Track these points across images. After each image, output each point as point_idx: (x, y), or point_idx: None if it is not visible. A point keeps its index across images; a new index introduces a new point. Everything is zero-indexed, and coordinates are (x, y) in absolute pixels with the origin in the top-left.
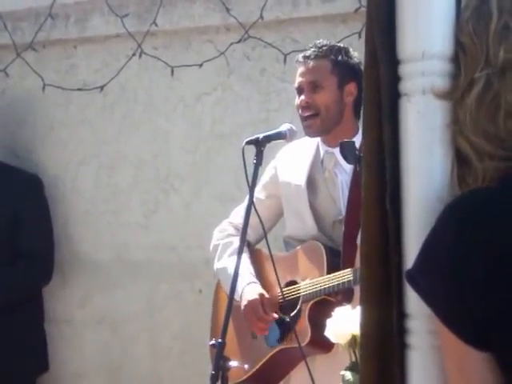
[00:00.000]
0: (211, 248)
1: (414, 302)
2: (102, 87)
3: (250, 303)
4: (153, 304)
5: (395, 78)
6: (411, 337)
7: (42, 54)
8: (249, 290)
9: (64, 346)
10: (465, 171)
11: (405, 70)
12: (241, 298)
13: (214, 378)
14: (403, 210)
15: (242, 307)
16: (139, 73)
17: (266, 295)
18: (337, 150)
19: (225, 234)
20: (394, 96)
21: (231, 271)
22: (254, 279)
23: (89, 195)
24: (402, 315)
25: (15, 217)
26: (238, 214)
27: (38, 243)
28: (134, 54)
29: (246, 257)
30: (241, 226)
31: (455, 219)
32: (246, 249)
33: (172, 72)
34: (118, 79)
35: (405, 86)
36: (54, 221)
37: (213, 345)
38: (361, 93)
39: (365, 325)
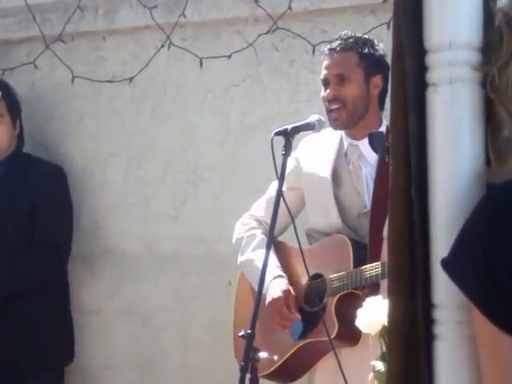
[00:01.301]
0: (234, 241)
1: (441, 292)
2: (130, 79)
3: (275, 301)
4: (182, 296)
5: (422, 68)
6: (438, 327)
7: (71, 45)
8: (274, 285)
9: (92, 338)
10: (502, 144)
11: (432, 60)
12: (267, 291)
13: (243, 369)
14: (429, 201)
15: (267, 303)
16: (168, 64)
17: (292, 291)
18: (361, 143)
19: (247, 227)
20: (421, 86)
21: (257, 263)
22: (280, 272)
23: (118, 187)
24: (428, 306)
25: (34, 206)
26: (259, 207)
27: (50, 231)
28: (162, 46)
29: (271, 250)
30: (262, 218)
31: (490, 207)
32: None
33: (201, 63)
34: (147, 71)
35: (432, 76)
36: (82, 213)
37: (242, 336)
38: (386, 85)
39: (392, 315)
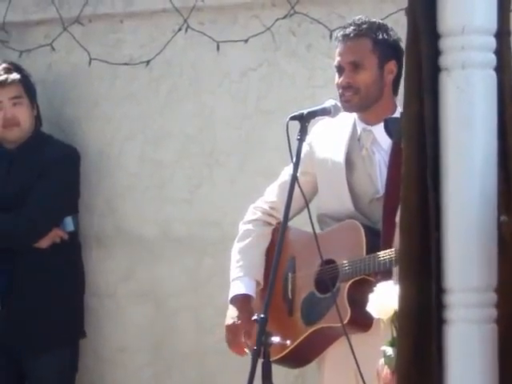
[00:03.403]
0: (239, 226)
1: (452, 276)
2: (147, 62)
3: (229, 328)
4: (196, 279)
5: (436, 53)
6: (449, 311)
7: (89, 28)
8: (230, 309)
9: (106, 320)
10: None
11: (445, 44)
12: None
13: (256, 354)
14: (443, 185)
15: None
16: (185, 48)
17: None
18: (375, 128)
19: (252, 218)
20: (435, 70)
21: (234, 264)
22: (240, 274)
23: (133, 170)
24: (440, 290)
25: (38, 179)
26: (271, 193)
27: (38, 198)
28: (180, 29)
29: (255, 254)
30: (273, 205)
31: None
32: (266, 239)
33: (218, 47)
34: (164, 54)
35: (445, 60)
36: (98, 195)
37: (255, 320)
38: (400, 71)
39: (402, 300)
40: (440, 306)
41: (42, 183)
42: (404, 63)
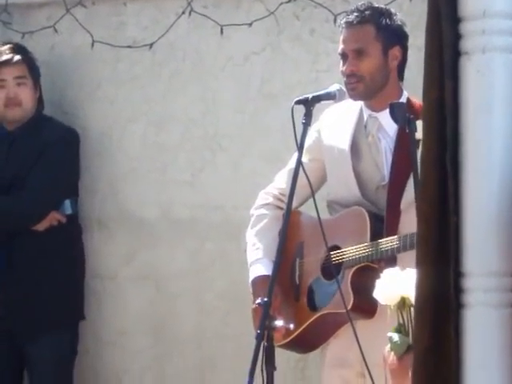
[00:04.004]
0: (250, 212)
1: (471, 261)
2: (150, 45)
3: (255, 310)
4: (198, 263)
5: (456, 37)
6: (467, 296)
7: (92, 10)
8: (253, 292)
9: (107, 303)
10: None
11: (465, 28)
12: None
13: (259, 337)
14: (463, 170)
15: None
16: (188, 31)
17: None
18: (380, 115)
19: (264, 202)
20: (455, 55)
21: (253, 248)
22: (260, 255)
23: (136, 153)
24: (458, 275)
25: (37, 159)
26: (281, 179)
27: (33, 178)
28: (183, 12)
29: (272, 236)
30: (283, 191)
31: None
32: (279, 222)
33: (221, 31)
34: (167, 37)
35: (465, 44)
36: (100, 177)
37: (259, 304)
38: (405, 56)
39: (420, 285)
40: (458, 291)
41: (42, 164)
42: (424, 47)
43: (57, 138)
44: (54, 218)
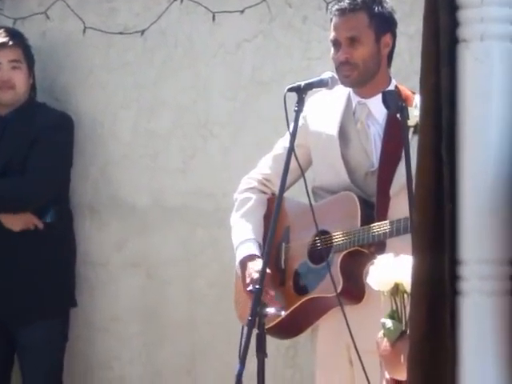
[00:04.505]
0: (234, 196)
1: (466, 247)
2: (142, 31)
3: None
4: (189, 250)
5: (454, 24)
6: (463, 283)
7: None
8: (250, 263)
9: (98, 290)
10: None
11: (463, 15)
12: (236, 256)
13: (250, 324)
14: (458, 157)
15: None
16: (180, 18)
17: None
18: (370, 101)
19: (248, 187)
20: (453, 42)
21: (239, 230)
22: (251, 235)
23: (127, 139)
24: (454, 262)
25: (32, 144)
26: (265, 165)
27: (35, 160)
28: None
29: (258, 218)
30: (268, 176)
31: None
32: (264, 205)
33: (213, 18)
34: (159, 24)
35: (463, 32)
36: (92, 164)
37: (250, 291)
38: (394, 43)
39: (416, 272)
40: (454, 278)
41: (40, 148)
42: (422, 34)
43: (53, 122)
44: (31, 223)
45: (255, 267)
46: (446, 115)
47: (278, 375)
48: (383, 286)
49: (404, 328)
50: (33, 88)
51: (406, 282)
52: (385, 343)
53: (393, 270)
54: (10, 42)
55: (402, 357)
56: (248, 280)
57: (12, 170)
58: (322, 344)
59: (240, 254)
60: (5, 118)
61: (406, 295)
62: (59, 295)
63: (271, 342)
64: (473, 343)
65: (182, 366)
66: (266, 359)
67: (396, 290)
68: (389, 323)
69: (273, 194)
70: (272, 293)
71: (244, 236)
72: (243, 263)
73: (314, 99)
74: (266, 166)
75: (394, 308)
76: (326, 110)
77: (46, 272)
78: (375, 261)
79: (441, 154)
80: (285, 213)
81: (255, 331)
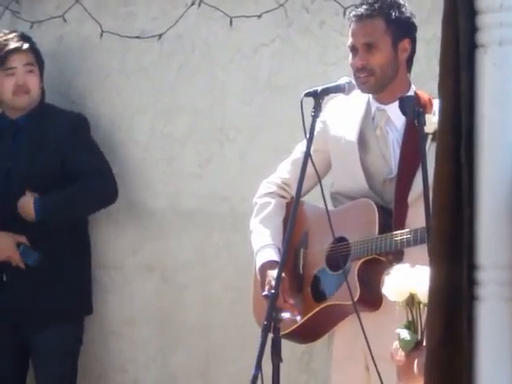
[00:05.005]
0: (253, 201)
1: (485, 253)
2: (159, 36)
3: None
4: (204, 254)
5: (473, 29)
6: (481, 289)
7: (101, 0)
8: (267, 268)
9: (114, 293)
10: None
11: (482, 20)
12: (255, 261)
13: (266, 329)
14: (477, 162)
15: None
16: (197, 22)
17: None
18: (389, 107)
19: (267, 191)
20: (472, 47)
21: (259, 235)
22: (270, 241)
23: (144, 143)
24: (472, 267)
25: (60, 151)
26: (284, 169)
27: (89, 163)
28: (192, 3)
29: (277, 223)
30: (287, 181)
31: None
32: (283, 210)
33: (230, 22)
34: (176, 28)
35: (481, 37)
36: None
37: (265, 296)
38: (414, 47)
39: (434, 278)
40: (471, 283)
41: (79, 149)
42: (441, 38)
43: (77, 126)
44: (13, 259)
45: (274, 273)
46: (464, 119)
47: (293, 380)
48: (398, 296)
49: (419, 338)
50: (43, 92)
51: (421, 292)
52: (400, 353)
53: (408, 280)
54: (24, 46)
55: (416, 367)
56: (267, 286)
57: (36, 175)
58: (338, 349)
59: (259, 260)
60: (16, 122)
61: (421, 305)
62: (74, 300)
63: (286, 346)
64: (489, 349)
65: (196, 370)
66: (280, 364)
67: (411, 300)
68: (404, 333)
69: (292, 199)
70: (291, 301)
71: (263, 241)
72: (262, 269)
73: (333, 103)
74: (284, 171)
75: (410, 319)
76: (345, 114)
77: (60, 277)
78: (390, 271)
79: (459, 159)
80: (304, 217)
81: (271, 335)
